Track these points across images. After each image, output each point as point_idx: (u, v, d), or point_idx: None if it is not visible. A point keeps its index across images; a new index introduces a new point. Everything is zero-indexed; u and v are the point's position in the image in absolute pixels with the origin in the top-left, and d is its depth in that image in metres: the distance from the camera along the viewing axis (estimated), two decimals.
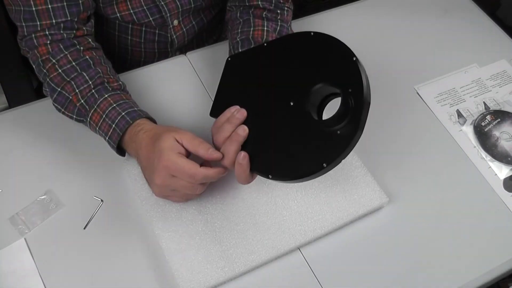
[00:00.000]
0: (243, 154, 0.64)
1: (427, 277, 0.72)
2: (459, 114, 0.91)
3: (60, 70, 0.75)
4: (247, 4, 0.87)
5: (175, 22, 0.96)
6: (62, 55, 0.76)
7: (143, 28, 0.95)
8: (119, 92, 0.76)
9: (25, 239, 0.71)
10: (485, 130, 0.89)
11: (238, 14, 0.87)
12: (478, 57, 1.00)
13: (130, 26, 0.94)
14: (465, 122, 0.90)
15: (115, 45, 0.98)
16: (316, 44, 0.64)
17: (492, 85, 0.96)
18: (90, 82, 0.74)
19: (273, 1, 0.86)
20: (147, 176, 0.70)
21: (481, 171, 0.84)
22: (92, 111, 0.74)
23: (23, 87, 0.99)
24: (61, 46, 0.76)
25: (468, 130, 0.89)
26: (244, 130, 0.65)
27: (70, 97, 0.75)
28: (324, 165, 0.57)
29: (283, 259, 0.72)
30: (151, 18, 0.92)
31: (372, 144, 0.85)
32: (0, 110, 0.89)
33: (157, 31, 0.96)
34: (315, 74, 0.62)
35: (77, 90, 0.74)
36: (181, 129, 0.69)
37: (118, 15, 0.89)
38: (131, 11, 0.89)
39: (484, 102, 0.93)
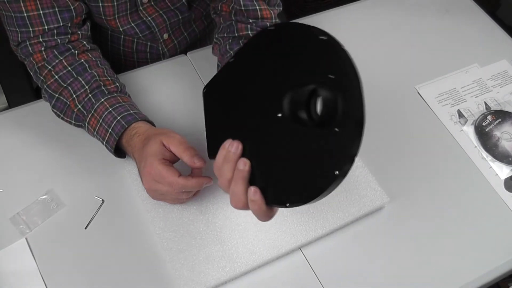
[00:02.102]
0: (253, 189, 0.54)
1: (427, 277, 0.72)
2: (460, 114, 0.91)
3: (56, 77, 0.75)
4: (236, 35, 0.79)
5: (165, 35, 0.95)
6: (57, 61, 0.75)
7: (135, 40, 0.95)
8: (115, 94, 0.76)
9: (26, 239, 0.71)
10: (486, 130, 0.89)
11: (228, 47, 0.79)
12: (479, 57, 1.00)
13: (122, 37, 0.93)
14: (466, 122, 0.90)
15: (108, 55, 0.97)
16: (280, 39, 0.55)
17: (493, 85, 0.96)
18: (87, 87, 0.74)
19: None
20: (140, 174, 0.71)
21: (482, 171, 0.84)
22: (89, 116, 0.74)
23: (23, 87, 0.99)
24: (56, 52, 0.76)
25: (469, 130, 0.89)
26: (244, 164, 0.55)
27: (68, 103, 0.75)
28: (336, 172, 0.48)
29: (284, 259, 0.72)
30: (140, 35, 0.92)
31: (373, 144, 0.85)
32: (0, 110, 0.89)
33: (148, 43, 0.96)
34: (289, 74, 0.53)
35: (74, 96, 0.74)
36: (172, 132, 0.68)
37: (109, 27, 0.89)
38: (120, 29, 0.89)
39: (485, 102, 0.93)
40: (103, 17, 0.85)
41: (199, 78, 0.91)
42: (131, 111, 0.73)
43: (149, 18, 0.89)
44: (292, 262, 0.72)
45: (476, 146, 0.87)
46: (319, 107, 0.49)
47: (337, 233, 0.75)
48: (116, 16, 0.86)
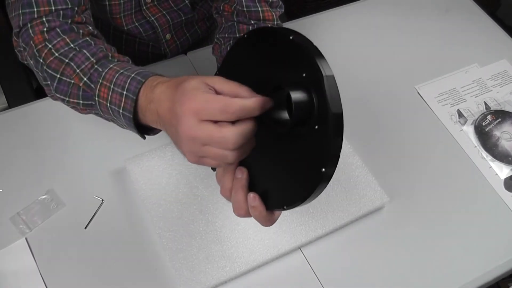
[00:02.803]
0: (252, 195, 0.55)
1: (427, 277, 0.72)
2: (460, 114, 0.91)
3: (56, 54, 0.65)
4: (237, 35, 0.79)
5: (168, 36, 0.95)
6: (59, 39, 0.66)
7: (137, 40, 0.95)
8: (125, 62, 0.65)
9: (26, 238, 0.71)
10: (486, 130, 0.89)
11: (228, 49, 0.77)
12: (479, 57, 1.00)
13: (123, 36, 0.93)
14: (466, 122, 0.90)
15: None
16: (255, 46, 0.55)
17: (492, 85, 0.96)
18: (92, 58, 0.63)
19: None
20: (173, 136, 0.53)
21: (481, 171, 0.84)
22: (98, 87, 0.61)
23: (23, 87, 0.99)
24: (58, 31, 0.67)
25: (469, 130, 0.89)
26: (242, 172, 0.56)
27: (72, 81, 0.64)
28: (323, 170, 0.48)
29: (284, 259, 0.72)
30: (144, 35, 0.92)
31: (373, 144, 0.85)
32: (0, 110, 0.89)
33: (151, 44, 0.96)
34: (267, 80, 0.53)
35: (78, 70, 0.63)
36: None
37: (113, 25, 0.89)
38: (125, 28, 0.89)
39: (484, 102, 0.93)
40: (109, 15, 0.85)
41: None
42: (147, 71, 0.60)
43: (152, 18, 0.90)
44: (292, 262, 0.72)
45: (476, 146, 0.87)
46: (293, 107, 0.50)
47: (337, 233, 0.75)
48: (122, 14, 0.86)
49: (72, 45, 0.65)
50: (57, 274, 0.69)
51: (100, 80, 0.61)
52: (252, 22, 0.78)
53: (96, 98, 0.62)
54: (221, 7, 0.83)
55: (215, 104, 0.47)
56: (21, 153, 0.80)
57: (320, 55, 0.48)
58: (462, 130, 0.89)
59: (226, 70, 0.60)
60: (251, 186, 0.56)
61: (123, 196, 0.76)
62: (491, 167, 0.84)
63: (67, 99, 0.66)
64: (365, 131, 0.86)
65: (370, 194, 0.76)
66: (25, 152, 0.80)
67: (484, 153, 0.86)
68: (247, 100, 0.48)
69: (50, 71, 0.65)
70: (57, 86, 0.65)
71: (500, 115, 0.91)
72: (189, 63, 0.94)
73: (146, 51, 0.97)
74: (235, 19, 0.80)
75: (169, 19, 0.92)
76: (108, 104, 0.61)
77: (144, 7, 0.87)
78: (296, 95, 0.49)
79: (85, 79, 0.63)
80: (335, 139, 0.47)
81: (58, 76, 0.65)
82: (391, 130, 0.88)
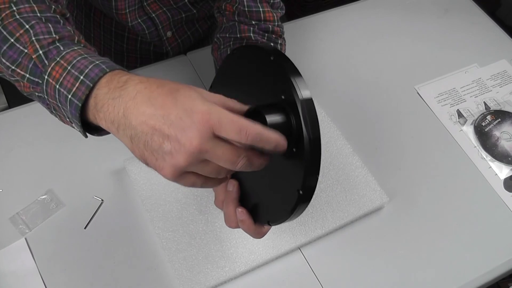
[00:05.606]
0: (239, 210, 0.56)
1: (427, 277, 0.72)
2: (460, 114, 0.91)
3: (18, 16, 0.56)
4: (238, 36, 0.79)
5: (169, 33, 0.95)
6: (27, 5, 0.57)
7: (139, 38, 0.95)
8: (92, 50, 0.57)
9: (25, 238, 0.71)
10: (486, 130, 0.89)
11: (228, 51, 0.79)
12: (479, 57, 1.00)
13: (125, 35, 0.93)
14: (465, 122, 0.90)
15: (111, 51, 0.98)
16: (242, 63, 0.55)
17: (492, 85, 0.96)
18: (55, 35, 0.55)
19: (266, 35, 0.79)
20: (148, 145, 0.47)
21: (481, 171, 0.84)
22: (52, 65, 0.52)
23: None
24: None
25: (468, 130, 0.89)
26: (233, 186, 0.57)
27: (26, 51, 0.55)
28: (300, 192, 0.48)
29: (284, 259, 0.72)
30: (146, 32, 0.92)
31: (373, 144, 0.85)
32: (0, 110, 0.89)
33: (152, 43, 0.96)
34: (250, 99, 0.53)
35: (33, 39, 0.54)
36: None
37: (116, 19, 0.89)
38: (129, 24, 0.89)
39: (484, 102, 0.93)
40: (114, 11, 0.86)
41: (199, 78, 0.91)
42: (114, 63, 0.53)
43: (153, 15, 0.90)
44: (292, 262, 0.72)
45: (475, 146, 0.87)
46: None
47: (337, 233, 0.75)
48: (127, 10, 0.86)
49: (38, 14, 0.57)
50: (57, 274, 0.69)
51: (58, 59, 0.53)
52: (253, 22, 0.78)
53: (46, 77, 0.53)
54: (223, 7, 0.83)
55: (233, 123, 0.44)
56: (21, 153, 0.80)
57: (299, 77, 0.47)
58: (462, 130, 0.89)
59: (217, 86, 0.61)
60: (243, 199, 0.57)
61: (122, 196, 0.76)
62: (490, 167, 0.84)
63: (13, 67, 0.56)
64: (364, 131, 0.87)
65: (369, 194, 0.76)
66: (25, 152, 0.80)
67: (484, 153, 0.86)
68: (267, 131, 0.46)
69: (4, 32, 0.56)
70: (6, 50, 0.56)
71: (500, 115, 0.91)
72: (189, 64, 0.94)
73: (148, 49, 0.98)
74: (236, 19, 0.80)
75: (170, 16, 0.92)
76: (57, 86, 0.52)
77: (145, 3, 0.88)
78: (272, 118, 0.48)
79: (40, 52, 0.54)
80: (311, 162, 0.47)
81: (12, 40, 0.56)
82: (391, 130, 0.88)
